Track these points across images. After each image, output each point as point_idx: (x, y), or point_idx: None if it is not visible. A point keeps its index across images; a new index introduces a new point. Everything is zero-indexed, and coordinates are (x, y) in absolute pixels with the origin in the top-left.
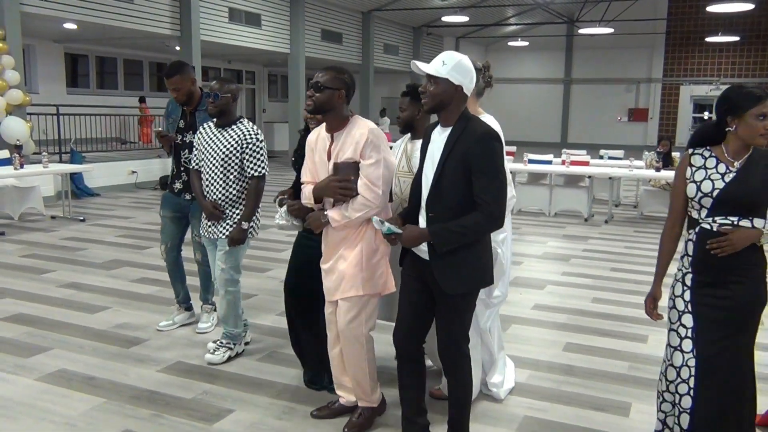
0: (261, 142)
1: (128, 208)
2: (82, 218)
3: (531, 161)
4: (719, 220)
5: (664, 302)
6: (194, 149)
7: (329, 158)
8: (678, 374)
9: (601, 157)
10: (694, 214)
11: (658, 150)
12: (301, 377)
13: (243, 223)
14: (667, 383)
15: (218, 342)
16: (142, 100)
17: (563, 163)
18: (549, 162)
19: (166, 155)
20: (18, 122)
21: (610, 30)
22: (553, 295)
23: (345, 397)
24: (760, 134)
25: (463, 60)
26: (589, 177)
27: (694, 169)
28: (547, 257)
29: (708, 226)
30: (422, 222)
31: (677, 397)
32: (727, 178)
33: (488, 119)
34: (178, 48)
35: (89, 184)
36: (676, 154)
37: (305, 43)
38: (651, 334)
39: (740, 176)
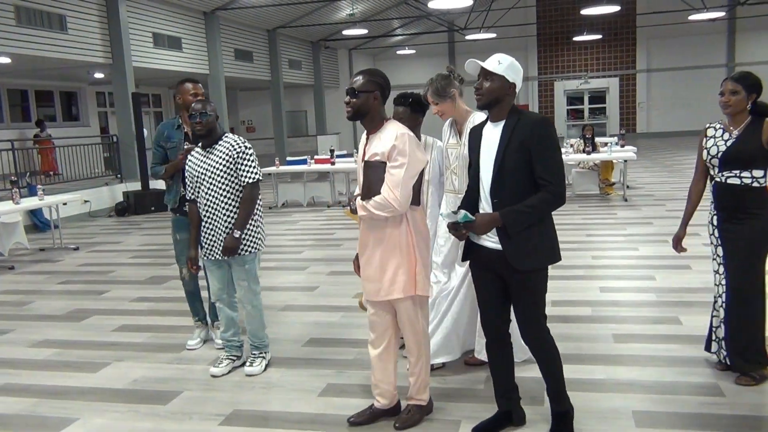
0: (250, 149)
1: (104, 234)
2: (75, 246)
3: None
4: (726, 174)
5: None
6: (187, 179)
7: (363, 158)
8: (718, 291)
9: None
10: (711, 172)
11: (586, 136)
12: None
13: (235, 231)
14: (716, 297)
15: (253, 354)
16: (39, 126)
17: None
18: None
19: (162, 178)
20: None
21: (493, 35)
22: None
23: (381, 401)
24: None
25: (515, 61)
26: None
27: (707, 138)
28: None
29: (719, 179)
30: (484, 210)
31: (721, 311)
32: (729, 143)
33: (480, 116)
34: (98, 75)
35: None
36: (599, 139)
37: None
38: (694, 265)
39: (737, 140)
